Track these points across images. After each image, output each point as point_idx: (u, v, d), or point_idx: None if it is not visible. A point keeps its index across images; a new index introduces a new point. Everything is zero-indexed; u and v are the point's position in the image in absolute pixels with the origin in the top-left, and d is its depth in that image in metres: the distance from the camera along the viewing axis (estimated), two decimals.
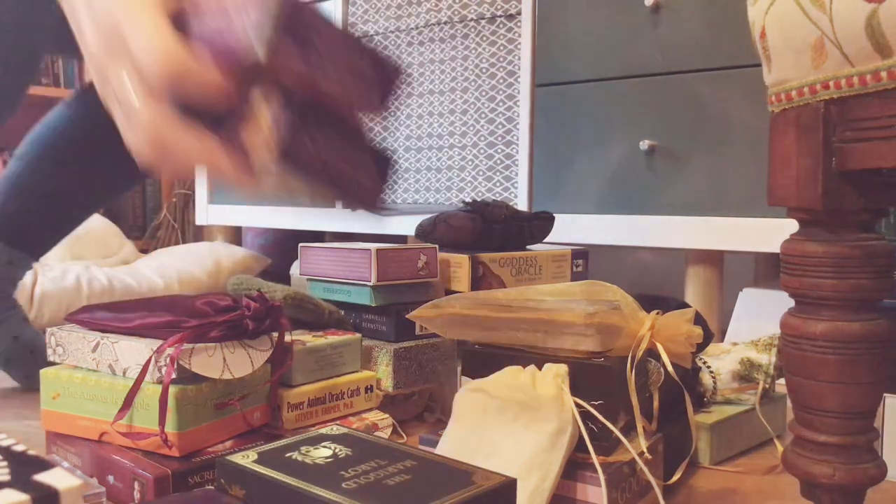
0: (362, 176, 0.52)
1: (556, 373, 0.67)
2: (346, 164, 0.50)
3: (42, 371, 0.77)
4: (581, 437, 0.66)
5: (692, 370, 0.90)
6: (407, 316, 0.79)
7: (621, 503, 0.67)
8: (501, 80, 1.63)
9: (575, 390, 0.67)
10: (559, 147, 1.56)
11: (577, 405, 0.66)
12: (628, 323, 0.70)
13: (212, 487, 0.63)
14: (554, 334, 0.69)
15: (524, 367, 0.70)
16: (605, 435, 0.66)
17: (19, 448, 0.37)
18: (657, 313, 0.72)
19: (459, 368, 0.75)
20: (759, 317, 1.37)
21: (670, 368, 0.72)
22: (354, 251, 0.99)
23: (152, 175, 1.28)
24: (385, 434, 0.90)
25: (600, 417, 0.66)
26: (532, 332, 0.70)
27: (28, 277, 1.48)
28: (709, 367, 0.94)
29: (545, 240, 1.32)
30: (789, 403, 0.61)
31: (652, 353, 0.72)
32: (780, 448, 0.90)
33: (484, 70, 1.65)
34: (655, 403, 0.75)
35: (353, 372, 0.92)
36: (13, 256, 1.15)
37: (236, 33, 0.46)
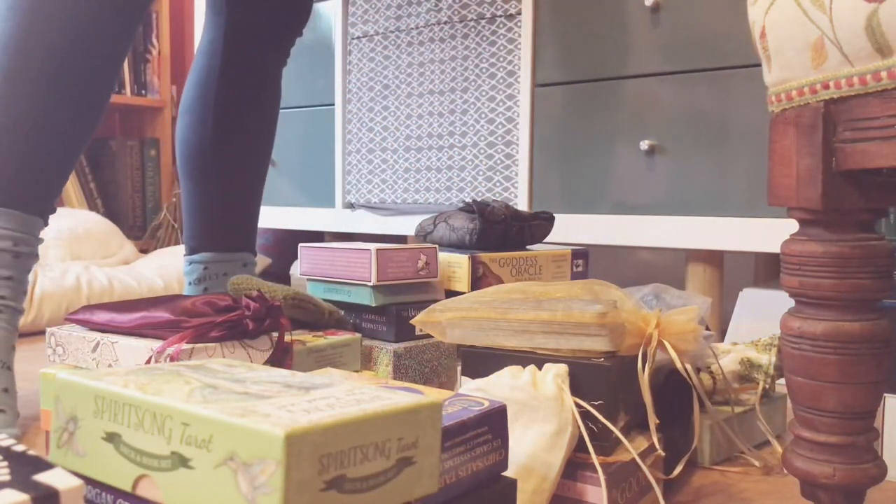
0: None
1: (556, 373, 0.67)
2: None
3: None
4: (581, 437, 0.66)
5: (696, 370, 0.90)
6: (411, 321, 0.79)
7: (621, 503, 0.67)
8: (501, 80, 1.63)
9: (575, 390, 0.67)
10: (559, 147, 1.56)
11: (577, 405, 0.66)
12: (636, 321, 0.70)
13: None
14: (566, 336, 0.69)
15: (524, 367, 0.70)
16: (605, 435, 0.66)
17: (19, 448, 0.37)
18: (659, 311, 0.72)
19: (459, 368, 0.75)
20: (759, 317, 1.37)
21: (679, 366, 0.72)
22: (354, 251, 0.99)
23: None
24: None
25: (600, 417, 0.66)
26: (539, 335, 0.70)
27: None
28: (709, 366, 0.94)
29: (545, 240, 1.32)
30: (789, 403, 0.61)
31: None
32: (779, 448, 0.90)
33: (484, 70, 1.65)
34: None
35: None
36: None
37: None
